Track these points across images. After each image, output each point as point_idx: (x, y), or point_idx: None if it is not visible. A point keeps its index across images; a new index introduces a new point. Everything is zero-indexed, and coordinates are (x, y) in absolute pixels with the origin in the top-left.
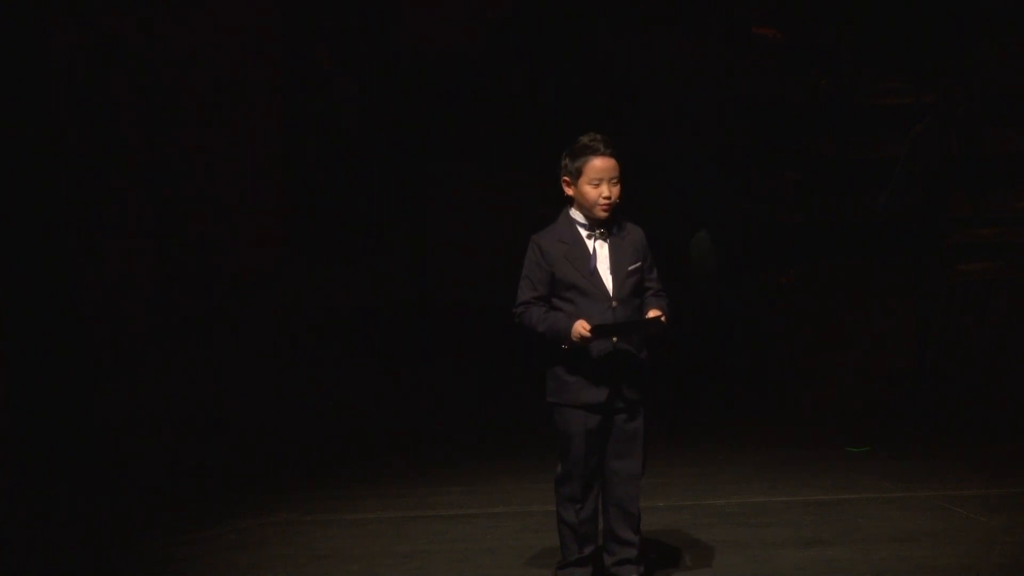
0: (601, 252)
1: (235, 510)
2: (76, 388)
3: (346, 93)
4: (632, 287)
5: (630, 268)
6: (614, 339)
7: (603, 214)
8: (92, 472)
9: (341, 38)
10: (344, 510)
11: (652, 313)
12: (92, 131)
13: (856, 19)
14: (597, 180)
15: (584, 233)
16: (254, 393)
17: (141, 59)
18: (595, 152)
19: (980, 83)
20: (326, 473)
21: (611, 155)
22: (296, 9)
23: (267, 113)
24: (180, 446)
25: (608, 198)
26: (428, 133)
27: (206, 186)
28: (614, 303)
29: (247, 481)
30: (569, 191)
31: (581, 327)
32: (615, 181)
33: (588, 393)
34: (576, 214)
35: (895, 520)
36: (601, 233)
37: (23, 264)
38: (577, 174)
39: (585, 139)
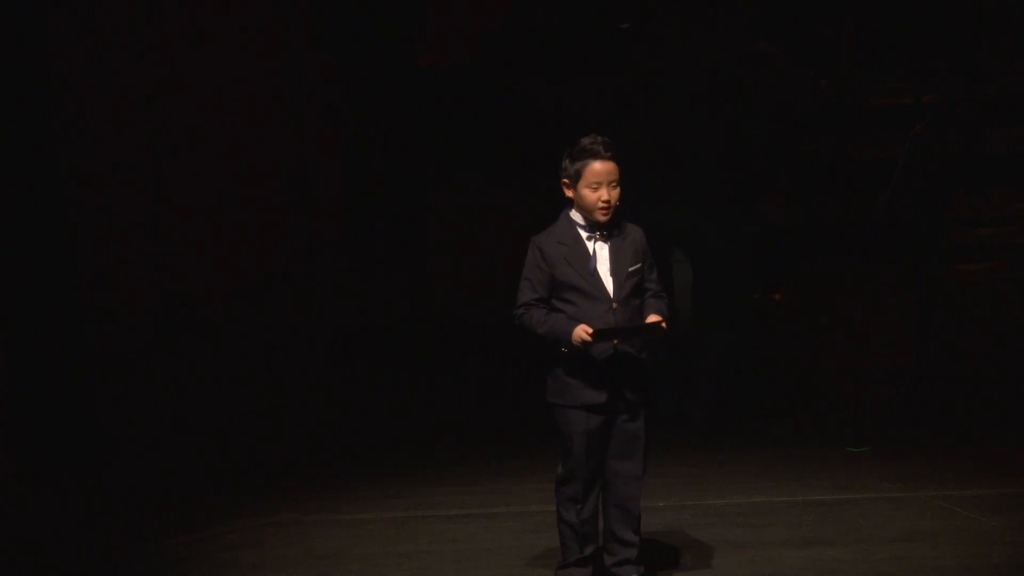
0: (601, 253)
1: (235, 510)
2: (77, 388)
3: (348, 100)
4: (632, 288)
5: (630, 269)
6: (615, 341)
7: (602, 217)
8: (92, 472)
9: (344, 46)
10: (344, 510)
11: (652, 318)
12: (93, 131)
13: (856, 19)
14: (596, 184)
15: (584, 235)
16: (255, 393)
17: (143, 61)
18: (595, 155)
19: (980, 83)
20: (326, 473)
21: (611, 158)
22: (300, 15)
23: (269, 117)
24: (180, 446)
25: (607, 202)
26: (430, 144)
27: (207, 189)
28: (615, 304)
29: (247, 481)
30: (569, 193)
31: (582, 331)
32: (614, 184)
33: (589, 394)
34: (576, 215)
35: (895, 520)
36: (601, 235)
37: (24, 264)
38: (576, 177)
39: (585, 141)
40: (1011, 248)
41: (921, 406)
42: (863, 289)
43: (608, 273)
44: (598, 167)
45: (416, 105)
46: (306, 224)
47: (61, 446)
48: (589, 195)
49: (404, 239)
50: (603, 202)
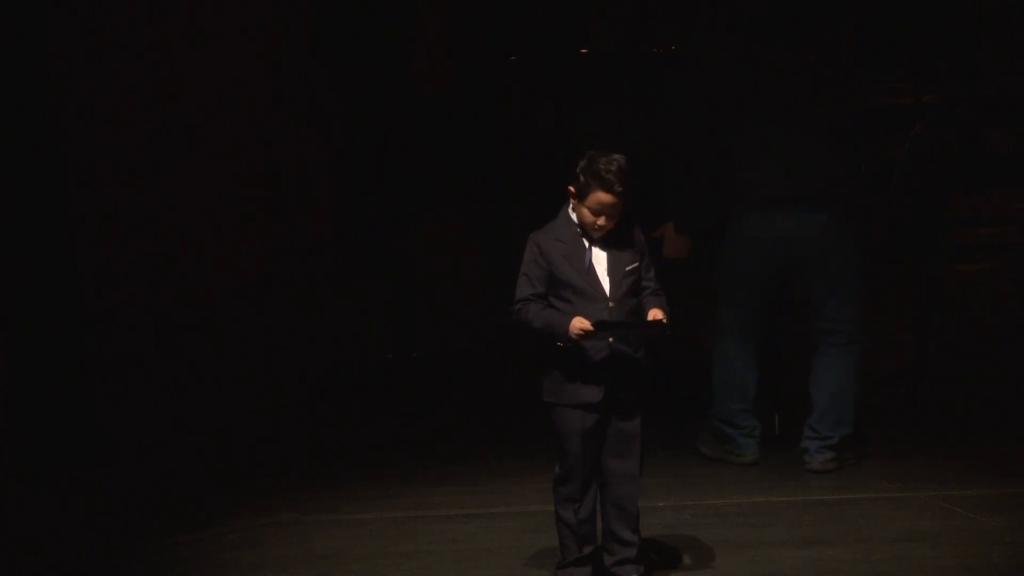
0: (598, 252)
1: (235, 510)
2: (77, 388)
3: (334, 108)
4: (629, 287)
5: (627, 268)
6: (610, 339)
7: (594, 235)
8: (92, 472)
9: (340, 55)
10: (344, 510)
11: (654, 314)
12: (93, 131)
13: (856, 19)
14: (598, 211)
15: (582, 233)
16: (255, 393)
17: (143, 61)
18: (606, 188)
19: (980, 83)
20: (326, 473)
21: (621, 194)
22: (300, 15)
23: (269, 118)
24: (180, 446)
25: (603, 227)
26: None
27: (207, 189)
28: (611, 303)
29: (247, 481)
30: (572, 199)
31: (580, 322)
32: (614, 216)
33: (585, 393)
34: (574, 215)
35: (895, 520)
36: None
37: (24, 264)
38: (583, 195)
39: (602, 167)
40: (1011, 248)
41: (921, 406)
42: (863, 289)
43: (605, 272)
44: (604, 199)
45: (410, 116)
46: (307, 224)
47: (61, 446)
48: (588, 216)
49: (392, 246)
50: (599, 226)
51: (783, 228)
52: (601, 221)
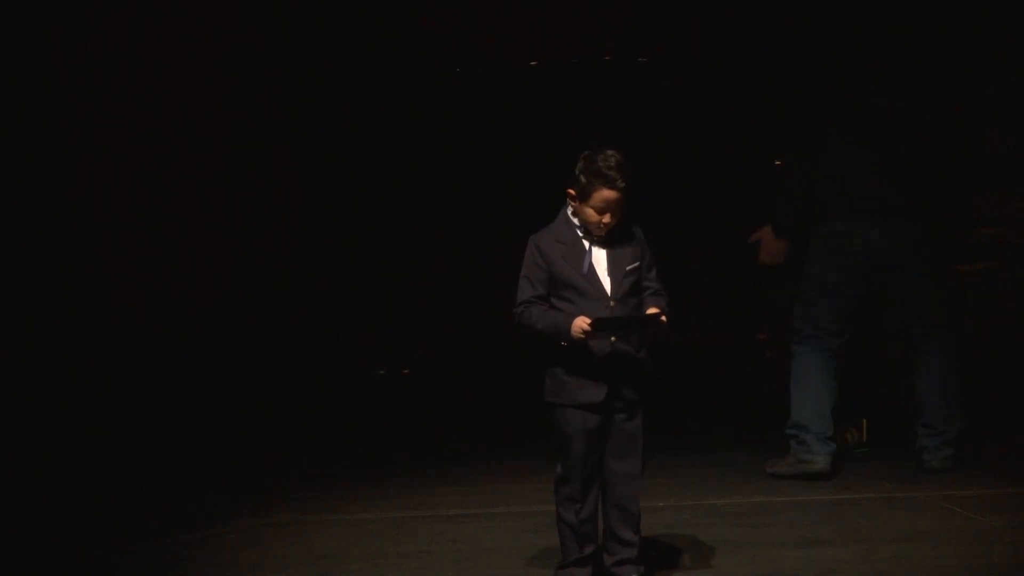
0: (599, 252)
1: (235, 510)
2: (77, 388)
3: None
4: (630, 287)
5: (628, 268)
6: (612, 339)
7: (598, 234)
8: (92, 472)
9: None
10: (344, 510)
11: (652, 310)
12: (93, 131)
13: (856, 19)
14: (603, 209)
15: (581, 234)
16: (255, 393)
17: (143, 61)
18: (609, 184)
19: (980, 83)
20: (326, 473)
21: (624, 189)
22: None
23: (267, 118)
24: (180, 446)
25: (607, 224)
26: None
27: (206, 189)
28: (612, 303)
29: (247, 481)
30: (572, 203)
31: (582, 322)
32: (617, 212)
33: (587, 393)
34: (574, 217)
35: (895, 520)
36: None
37: (24, 264)
38: (584, 195)
39: (602, 164)
40: (1011, 248)
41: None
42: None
43: (605, 272)
44: (608, 195)
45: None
46: (306, 225)
47: (61, 446)
48: (592, 215)
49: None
50: (604, 224)
51: (868, 237)
52: (607, 219)
